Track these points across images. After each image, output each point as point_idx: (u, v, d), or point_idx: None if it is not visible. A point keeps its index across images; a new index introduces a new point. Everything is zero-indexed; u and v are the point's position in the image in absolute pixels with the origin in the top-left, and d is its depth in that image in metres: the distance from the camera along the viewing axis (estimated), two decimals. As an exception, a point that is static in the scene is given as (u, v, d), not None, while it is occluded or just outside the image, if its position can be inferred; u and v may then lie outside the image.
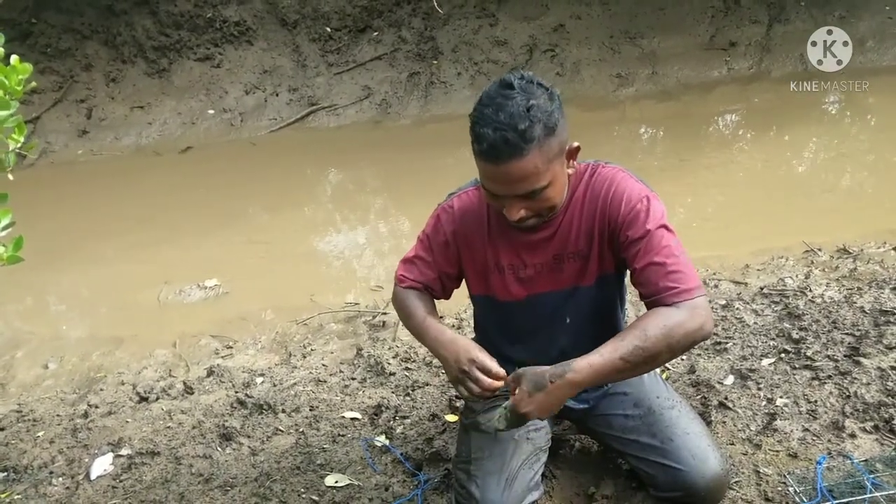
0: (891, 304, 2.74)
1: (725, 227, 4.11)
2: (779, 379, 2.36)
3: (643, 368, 1.45)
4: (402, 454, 2.23)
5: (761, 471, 1.95)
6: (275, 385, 2.80)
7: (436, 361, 2.80)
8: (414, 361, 2.84)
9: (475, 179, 1.65)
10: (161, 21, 7.21)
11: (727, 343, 2.64)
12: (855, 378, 2.30)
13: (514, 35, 7.28)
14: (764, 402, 2.25)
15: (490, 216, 1.67)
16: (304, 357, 3.06)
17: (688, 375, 2.46)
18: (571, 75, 7.10)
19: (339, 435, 2.39)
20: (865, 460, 1.92)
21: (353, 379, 2.78)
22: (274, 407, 2.60)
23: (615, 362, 1.39)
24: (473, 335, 1.97)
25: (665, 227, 1.50)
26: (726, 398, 2.28)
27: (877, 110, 6.12)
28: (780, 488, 1.87)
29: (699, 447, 1.63)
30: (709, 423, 2.14)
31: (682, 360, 2.58)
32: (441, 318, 1.86)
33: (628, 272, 1.59)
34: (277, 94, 7.21)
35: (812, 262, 3.33)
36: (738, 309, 2.89)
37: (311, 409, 2.57)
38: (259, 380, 2.87)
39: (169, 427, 2.57)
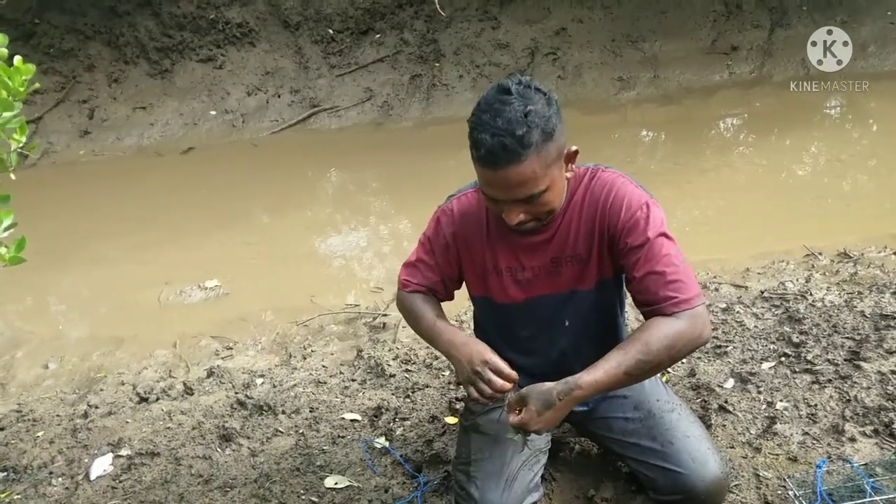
0: (891, 308, 2.74)
1: (726, 230, 4.11)
2: (779, 382, 2.36)
3: (645, 378, 1.50)
4: (401, 456, 2.23)
5: (761, 474, 1.95)
6: (275, 386, 2.80)
7: (436, 363, 2.81)
8: (414, 363, 2.84)
9: (475, 182, 1.65)
10: (164, 22, 7.22)
11: (727, 346, 2.64)
12: (855, 382, 2.30)
13: (515, 38, 7.29)
14: (764, 406, 2.25)
15: (489, 219, 1.68)
16: (305, 358, 3.06)
17: (688, 379, 2.46)
18: (573, 78, 7.11)
19: (338, 436, 2.39)
20: (865, 464, 1.92)
21: (353, 380, 2.78)
22: (274, 408, 2.60)
23: (619, 377, 1.42)
24: (473, 334, 1.97)
25: (665, 234, 1.51)
26: (726, 401, 2.28)
27: (878, 115, 6.12)
28: (779, 492, 1.87)
29: (699, 450, 1.63)
30: (709, 427, 2.14)
31: (683, 363, 2.58)
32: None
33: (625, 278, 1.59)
34: (279, 96, 7.22)
35: (813, 266, 3.33)
36: (738, 312, 2.89)
37: (310, 411, 2.57)
38: (259, 381, 2.87)
39: (169, 428, 2.57)
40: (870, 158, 5.29)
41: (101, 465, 2.37)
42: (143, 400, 2.81)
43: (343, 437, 2.39)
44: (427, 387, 2.65)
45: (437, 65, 7.24)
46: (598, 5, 7.38)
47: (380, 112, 7.07)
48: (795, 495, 1.82)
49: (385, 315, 3.37)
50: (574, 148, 1.51)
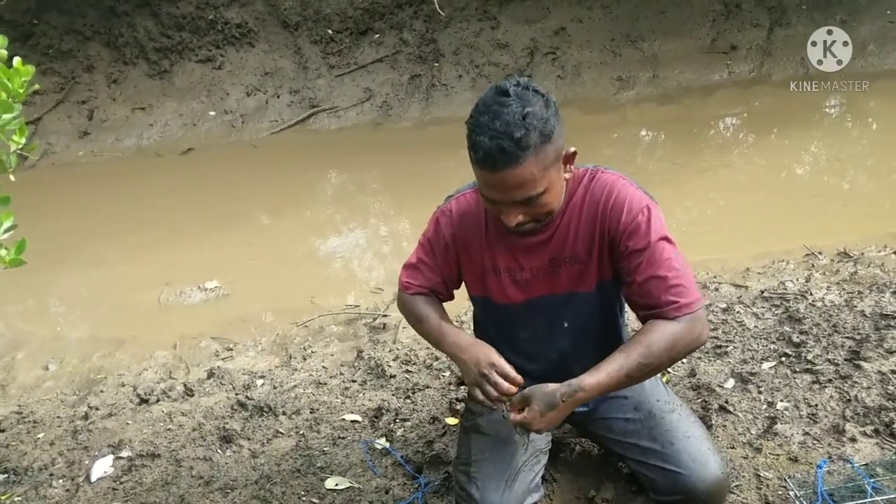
0: (891, 307, 2.74)
1: (726, 230, 4.11)
2: (779, 383, 2.36)
3: (645, 379, 1.54)
4: (402, 457, 2.23)
5: (762, 475, 1.95)
6: (275, 387, 2.80)
7: (436, 364, 2.81)
8: (414, 364, 2.84)
9: (473, 182, 1.65)
10: (163, 23, 7.21)
11: (728, 346, 2.64)
12: (855, 382, 2.30)
13: (515, 38, 7.29)
14: (764, 406, 2.25)
15: (488, 219, 1.68)
16: (305, 359, 3.06)
17: (688, 379, 2.46)
18: (572, 78, 7.11)
19: (339, 437, 2.39)
20: (866, 464, 1.92)
21: (354, 381, 2.78)
22: (274, 409, 2.60)
23: (621, 379, 1.46)
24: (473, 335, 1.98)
25: (666, 238, 1.52)
26: (727, 402, 2.28)
27: (878, 114, 6.12)
28: (780, 492, 1.87)
29: (700, 451, 1.63)
30: (709, 427, 2.14)
31: (683, 363, 2.58)
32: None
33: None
34: (278, 96, 7.22)
35: (813, 266, 3.33)
36: (738, 312, 2.89)
37: (311, 412, 2.57)
38: (259, 382, 2.87)
39: (169, 429, 2.57)
40: (869, 158, 5.29)
41: (102, 467, 2.37)
42: (144, 401, 2.81)
43: (343, 438, 2.39)
44: (427, 387, 2.65)
45: (437, 65, 7.24)
46: (597, 5, 7.37)
47: (379, 112, 7.07)
48: (796, 495, 1.82)
49: (385, 316, 3.37)
50: (572, 149, 1.51)
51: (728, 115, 6.49)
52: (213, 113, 7.13)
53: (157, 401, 2.80)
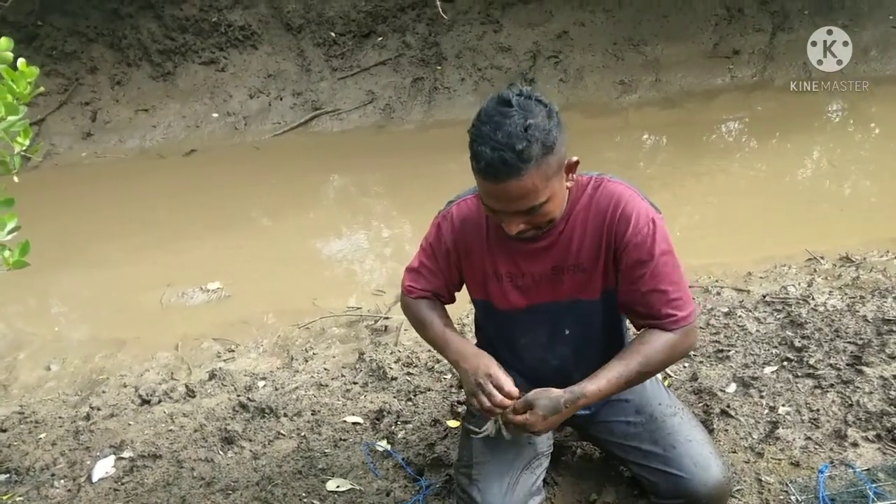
0: (893, 312, 2.74)
1: (727, 234, 4.11)
2: (781, 387, 2.36)
3: (639, 384, 1.62)
4: (403, 459, 2.23)
5: (763, 479, 1.94)
6: (276, 389, 2.80)
7: (437, 366, 2.81)
8: (416, 366, 2.84)
9: (474, 187, 1.66)
10: (166, 25, 7.23)
11: (729, 351, 2.64)
12: (857, 387, 2.30)
13: (517, 41, 7.30)
14: (766, 411, 2.25)
15: (489, 225, 1.68)
16: (306, 361, 3.06)
17: (690, 383, 2.46)
18: (575, 82, 7.11)
19: (340, 439, 2.40)
20: (868, 469, 1.92)
21: (355, 383, 2.78)
22: (276, 411, 2.60)
23: (621, 386, 1.54)
24: (474, 338, 1.98)
25: (669, 251, 1.56)
26: (728, 406, 2.27)
27: (879, 119, 6.12)
28: (782, 497, 1.87)
29: (701, 455, 1.63)
30: (711, 431, 2.14)
31: (685, 367, 2.58)
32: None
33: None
34: (281, 99, 7.23)
35: (815, 271, 3.33)
36: (740, 317, 2.89)
37: (312, 414, 2.57)
38: (261, 383, 2.87)
39: (171, 430, 2.57)
40: (872, 163, 5.29)
41: (103, 468, 2.37)
42: (145, 402, 2.82)
43: (345, 440, 2.39)
44: (429, 390, 2.65)
45: (439, 68, 7.25)
46: (599, 9, 7.38)
47: (382, 115, 7.07)
48: (798, 500, 1.82)
49: (387, 318, 3.37)
50: (575, 159, 1.51)
51: (730, 120, 6.49)
52: (216, 115, 7.14)
53: (159, 402, 2.80)
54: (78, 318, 4.07)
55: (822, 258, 3.44)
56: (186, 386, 2.89)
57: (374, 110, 7.12)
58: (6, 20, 6.60)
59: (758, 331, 2.77)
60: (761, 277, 3.32)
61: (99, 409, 2.80)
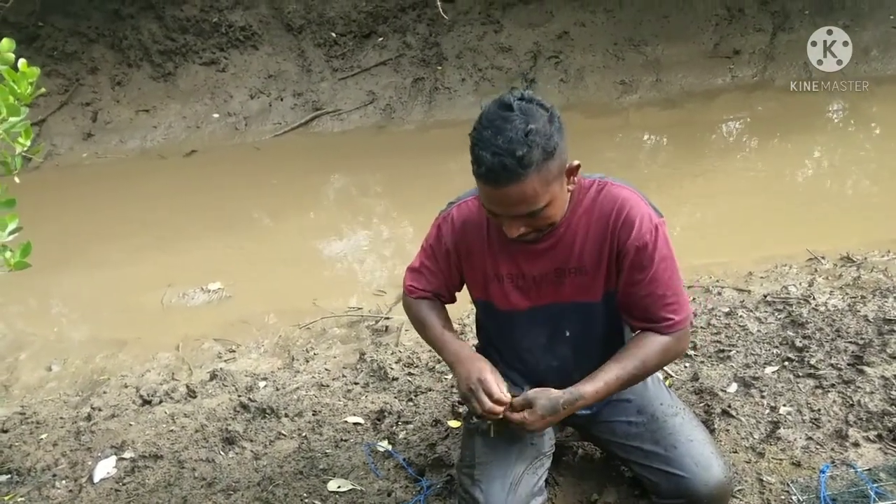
0: (894, 312, 2.73)
1: (728, 234, 4.10)
2: (782, 387, 2.36)
3: (634, 385, 1.66)
4: (404, 459, 2.23)
5: (764, 479, 1.94)
6: (277, 389, 2.80)
7: (438, 367, 2.81)
8: (417, 366, 2.84)
9: (475, 189, 1.66)
10: (167, 25, 7.24)
11: (730, 351, 2.64)
12: (858, 387, 2.30)
13: (518, 42, 7.30)
14: (767, 411, 2.25)
15: (490, 226, 1.68)
16: (307, 361, 3.06)
17: (691, 383, 2.46)
18: (575, 82, 7.11)
19: (341, 440, 2.40)
20: (869, 469, 1.92)
21: (356, 384, 2.78)
22: (277, 411, 2.60)
23: (617, 388, 1.58)
24: (475, 338, 1.98)
25: (670, 257, 1.58)
26: (730, 406, 2.27)
27: (880, 119, 6.11)
28: (783, 497, 1.87)
29: (703, 455, 1.63)
30: (712, 431, 2.14)
31: (686, 367, 2.58)
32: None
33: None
34: (282, 99, 7.23)
35: (816, 271, 3.32)
36: (741, 317, 2.89)
37: (313, 414, 2.57)
38: (262, 384, 2.87)
39: (172, 430, 2.57)
40: (873, 163, 5.28)
41: (105, 468, 2.38)
42: (146, 402, 2.82)
43: (346, 440, 2.39)
44: (430, 390, 2.65)
45: (440, 68, 7.25)
46: (600, 9, 7.38)
47: (382, 115, 7.08)
48: (799, 500, 1.82)
49: (388, 318, 3.37)
50: (576, 162, 1.51)
51: (731, 120, 6.49)
52: (216, 115, 7.14)
53: (160, 402, 2.80)
54: (79, 319, 4.07)
55: (822, 258, 3.43)
56: (187, 386, 2.89)
57: (375, 111, 7.12)
58: (7, 21, 6.61)
59: (759, 331, 2.77)
60: (762, 277, 3.32)
61: (100, 410, 2.80)
